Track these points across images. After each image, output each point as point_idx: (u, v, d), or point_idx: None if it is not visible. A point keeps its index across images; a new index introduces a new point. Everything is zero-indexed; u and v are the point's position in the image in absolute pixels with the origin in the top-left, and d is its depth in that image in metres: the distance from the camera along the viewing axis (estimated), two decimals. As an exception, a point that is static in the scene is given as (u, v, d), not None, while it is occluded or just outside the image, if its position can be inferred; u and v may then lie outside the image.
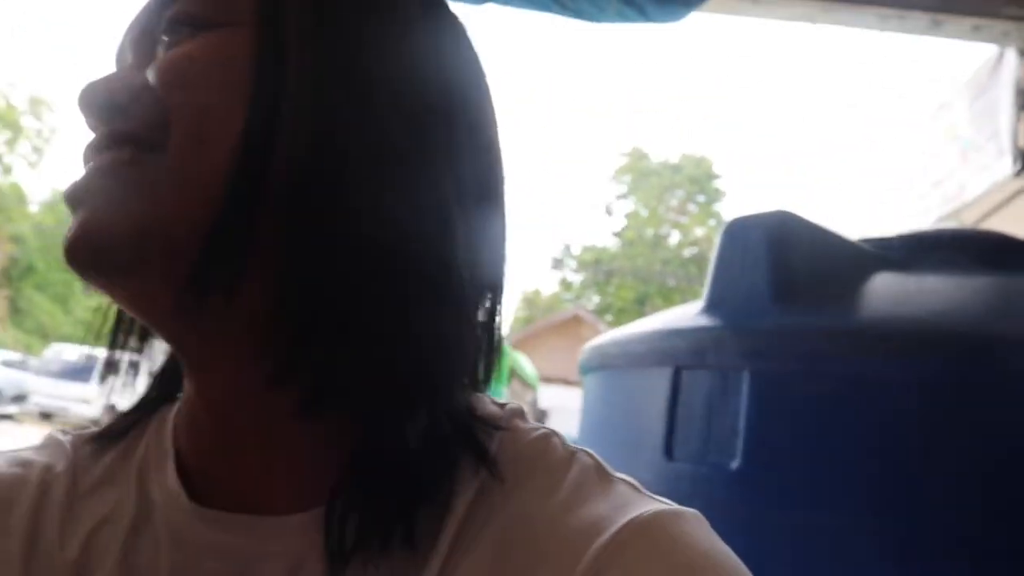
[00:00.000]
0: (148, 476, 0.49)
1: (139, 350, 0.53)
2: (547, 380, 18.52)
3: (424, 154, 0.44)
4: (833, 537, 1.06)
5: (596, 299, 35.35)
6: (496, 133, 0.51)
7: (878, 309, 1.17)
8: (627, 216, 36.18)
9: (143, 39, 0.47)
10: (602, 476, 0.46)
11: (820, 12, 2.92)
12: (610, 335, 1.64)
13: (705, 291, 1.34)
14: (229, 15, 0.44)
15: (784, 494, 1.11)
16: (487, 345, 0.49)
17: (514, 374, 11.93)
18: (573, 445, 0.48)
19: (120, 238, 0.41)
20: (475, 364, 0.48)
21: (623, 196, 36.55)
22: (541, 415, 16.66)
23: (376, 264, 0.42)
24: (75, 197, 0.44)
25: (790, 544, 1.09)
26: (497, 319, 0.50)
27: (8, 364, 15.71)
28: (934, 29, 2.98)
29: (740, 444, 1.14)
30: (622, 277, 34.12)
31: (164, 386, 0.54)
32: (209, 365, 0.46)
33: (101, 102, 0.44)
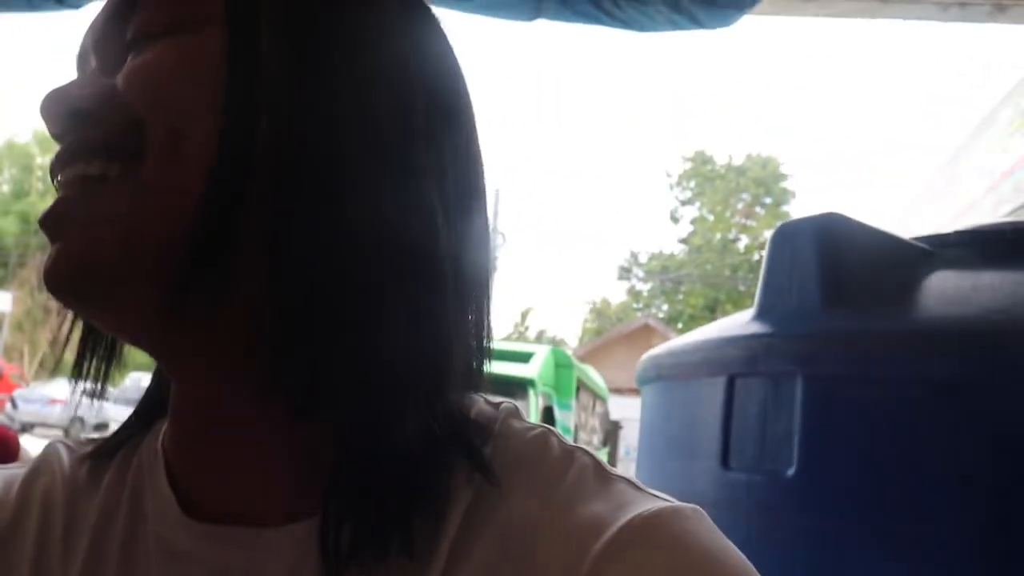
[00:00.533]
0: (142, 489, 0.48)
1: (107, 372, 0.51)
2: (618, 391, 18.34)
3: (404, 154, 0.43)
4: (891, 544, 1.03)
5: (665, 307, 35.01)
6: (476, 132, 0.49)
7: (933, 309, 1.14)
8: (693, 222, 35.82)
9: (106, 42, 0.45)
10: (600, 475, 0.44)
11: (879, 5, 2.85)
12: (665, 346, 1.63)
13: (756, 298, 1.32)
14: (198, 15, 0.42)
15: (840, 501, 1.08)
16: (477, 346, 0.48)
17: (582, 386, 11.83)
18: (571, 443, 0.47)
19: (98, 265, 0.40)
20: (467, 365, 0.47)
21: (688, 202, 36.20)
22: (614, 427, 16.48)
23: (359, 265, 0.41)
24: (47, 226, 0.42)
25: (847, 551, 1.06)
26: (486, 318, 0.49)
27: (90, 393, 16.24)
28: (997, 15, 2.88)
29: (795, 451, 1.12)
30: (691, 284, 33.73)
31: (157, 399, 0.52)
32: (194, 375, 0.45)
33: (66, 109, 0.42)
